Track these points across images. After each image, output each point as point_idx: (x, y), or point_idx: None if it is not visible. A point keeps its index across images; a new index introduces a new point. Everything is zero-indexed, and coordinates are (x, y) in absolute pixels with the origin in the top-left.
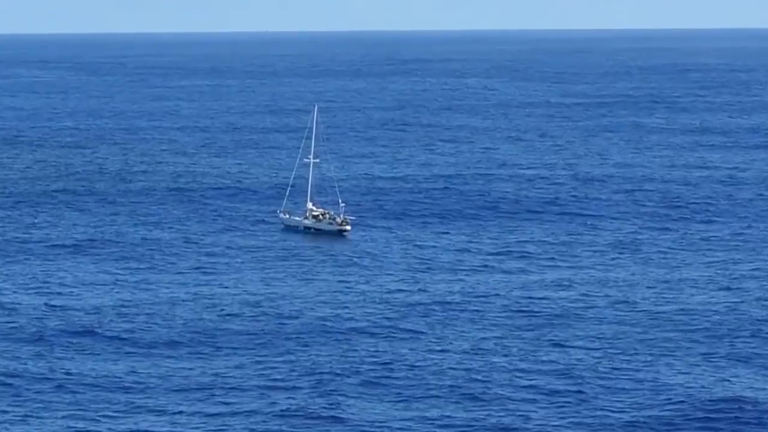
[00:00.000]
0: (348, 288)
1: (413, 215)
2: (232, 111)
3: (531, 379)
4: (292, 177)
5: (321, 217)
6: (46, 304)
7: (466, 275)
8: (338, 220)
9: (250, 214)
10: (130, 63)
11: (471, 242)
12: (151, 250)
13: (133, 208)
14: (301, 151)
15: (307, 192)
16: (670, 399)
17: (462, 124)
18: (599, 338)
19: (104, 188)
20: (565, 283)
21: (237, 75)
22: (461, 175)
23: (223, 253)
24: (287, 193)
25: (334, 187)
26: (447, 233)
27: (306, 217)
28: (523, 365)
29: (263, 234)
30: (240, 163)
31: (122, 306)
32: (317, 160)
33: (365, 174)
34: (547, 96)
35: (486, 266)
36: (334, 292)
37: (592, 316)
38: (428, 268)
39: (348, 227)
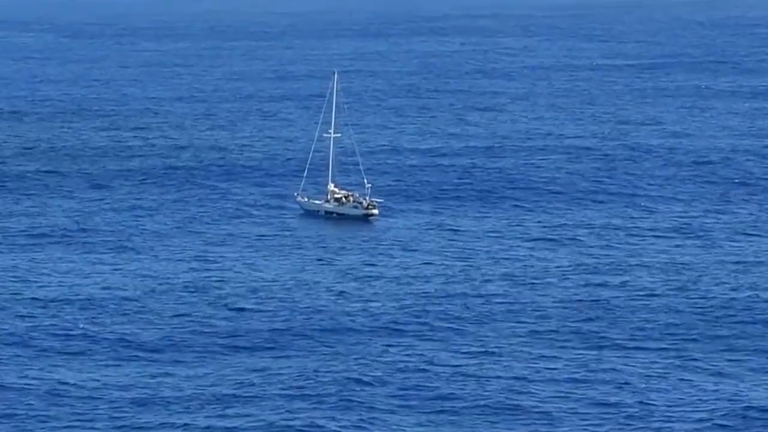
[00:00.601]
0: (376, 280)
1: (447, 196)
2: (236, 77)
3: (586, 389)
4: (311, 154)
5: (344, 200)
6: (32, 299)
7: (510, 264)
8: (364, 203)
9: (262, 197)
10: (117, 23)
11: (514, 226)
12: (149, 239)
13: (126, 191)
14: (319, 124)
15: (327, 171)
16: (747, 409)
17: (497, 90)
18: (663, 337)
19: (92, 168)
20: (622, 272)
21: (240, 35)
22: (499, 147)
23: (232, 243)
24: (305, 173)
25: (358, 165)
26: (486, 216)
27: (327, 201)
28: (577, 371)
29: (278, 220)
30: (247, 138)
31: (119, 304)
32: (338, 135)
33: (392, 149)
34: (594, 57)
35: (531, 255)
36: (361, 285)
37: (654, 309)
38: (467, 257)
39: (375, 211)
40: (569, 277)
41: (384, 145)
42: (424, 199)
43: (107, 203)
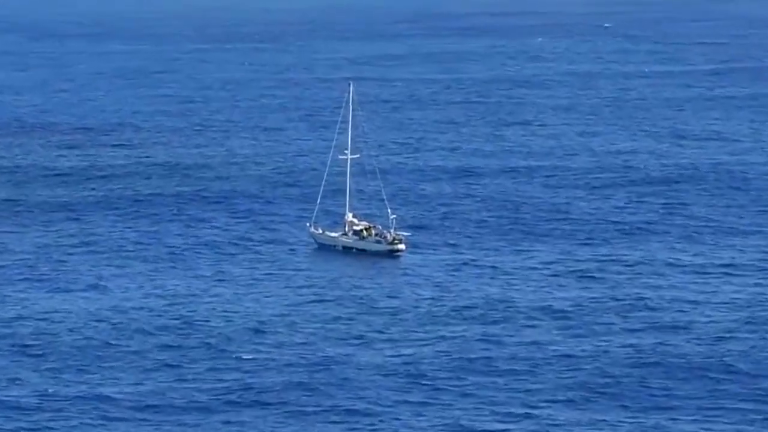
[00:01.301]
0: (403, 326)
1: (483, 226)
2: (232, 86)
3: None
4: (324, 178)
5: (365, 232)
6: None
7: (558, 306)
8: (388, 236)
9: (267, 228)
10: (85, 21)
11: (561, 261)
12: (131, 276)
13: (104, 221)
14: (334, 143)
15: (344, 198)
16: None
17: (537, 100)
18: (744, 396)
19: (60, 195)
20: (689, 315)
21: (235, 37)
22: (539, 167)
23: (230, 281)
24: (318, 200)
25: (380, 191)
26: (530, 250)
27: (345, 233)
28: None
29: (287, 256)
30: (247, 158)
31: (99, 349)
32: (357, 156)
33: (417, 170)
34: (653, 62)
35: (583, 294)
36: (386, 332)
37: (732, 360)
38: (507, 299)
39: (401, 246)
40: (628, 318)
41: (408, 166)
42: (456, 231)
43: (81, 237)
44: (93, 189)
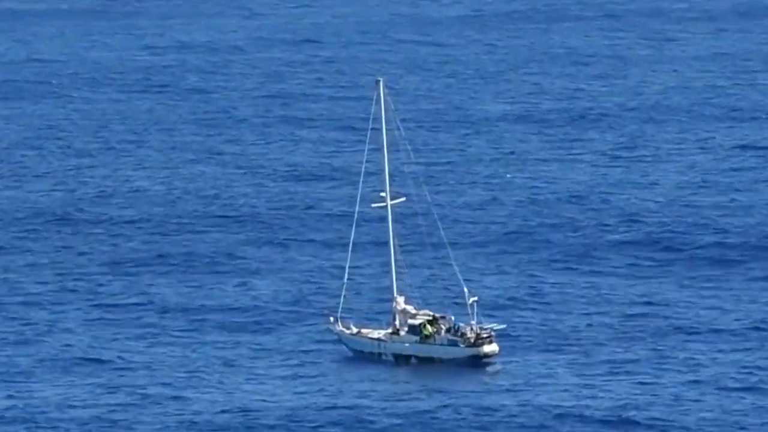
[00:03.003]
0: None
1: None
2: (218, 99)
3: None
4: (351, 236)
5: (430, 327)
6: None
7: None
8: (468, 332)
9: (265, 313)
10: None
11: None
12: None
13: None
14: (361, 182)
15: (389, 273)
16: None
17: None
18: None
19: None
20: None
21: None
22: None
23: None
24: (345, 277)
25: (445, 250)
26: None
27: (396, 330)
28: None
29: (297, 363)
30: (244, 197)
31: None
32: (402, 200)
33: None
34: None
35: None
36: None
37: None
38: None
39: (491, 348)
40: None
41: (477, 208)
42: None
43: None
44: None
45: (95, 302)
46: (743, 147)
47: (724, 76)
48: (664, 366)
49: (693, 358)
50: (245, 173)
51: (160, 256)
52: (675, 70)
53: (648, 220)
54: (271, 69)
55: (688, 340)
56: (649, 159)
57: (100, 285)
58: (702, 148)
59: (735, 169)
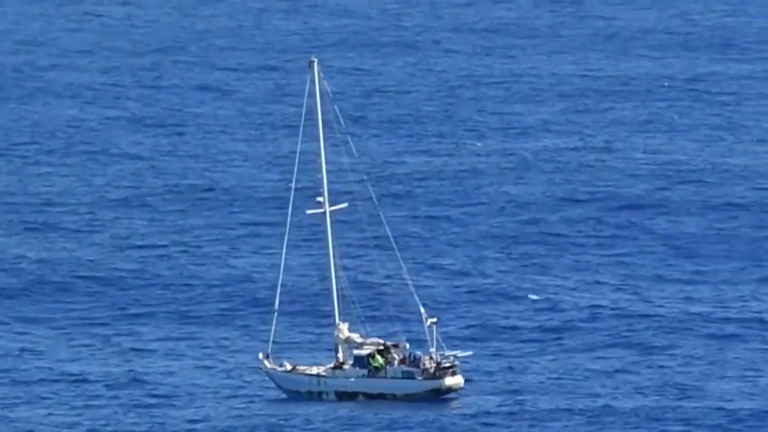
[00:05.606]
0: None
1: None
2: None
3: None
4: (282, 253)
5: (379, 359)
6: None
7: None
8: (426, 362)
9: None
10: None
11: None
12: None
13: None
14: (293, 187)
15: (329, 294)
16: None
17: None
18: None
19: None
20: None
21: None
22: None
23: None
24: (276, 302)
25: (397, 261)
26: None
27: (339, 365)
28: None
29: (227, 407)
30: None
31: None
32: (344, 206)
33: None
34: None
35: None
36: None
37: None
38: None
39: (455, 380)
40: None
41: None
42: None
43: None
44: None
45: None
46: None
47: None
48: None
49: None
50: None
51: None
52: None
53: None
54: None
55: None
56: None
57: None
58: None
59: None
